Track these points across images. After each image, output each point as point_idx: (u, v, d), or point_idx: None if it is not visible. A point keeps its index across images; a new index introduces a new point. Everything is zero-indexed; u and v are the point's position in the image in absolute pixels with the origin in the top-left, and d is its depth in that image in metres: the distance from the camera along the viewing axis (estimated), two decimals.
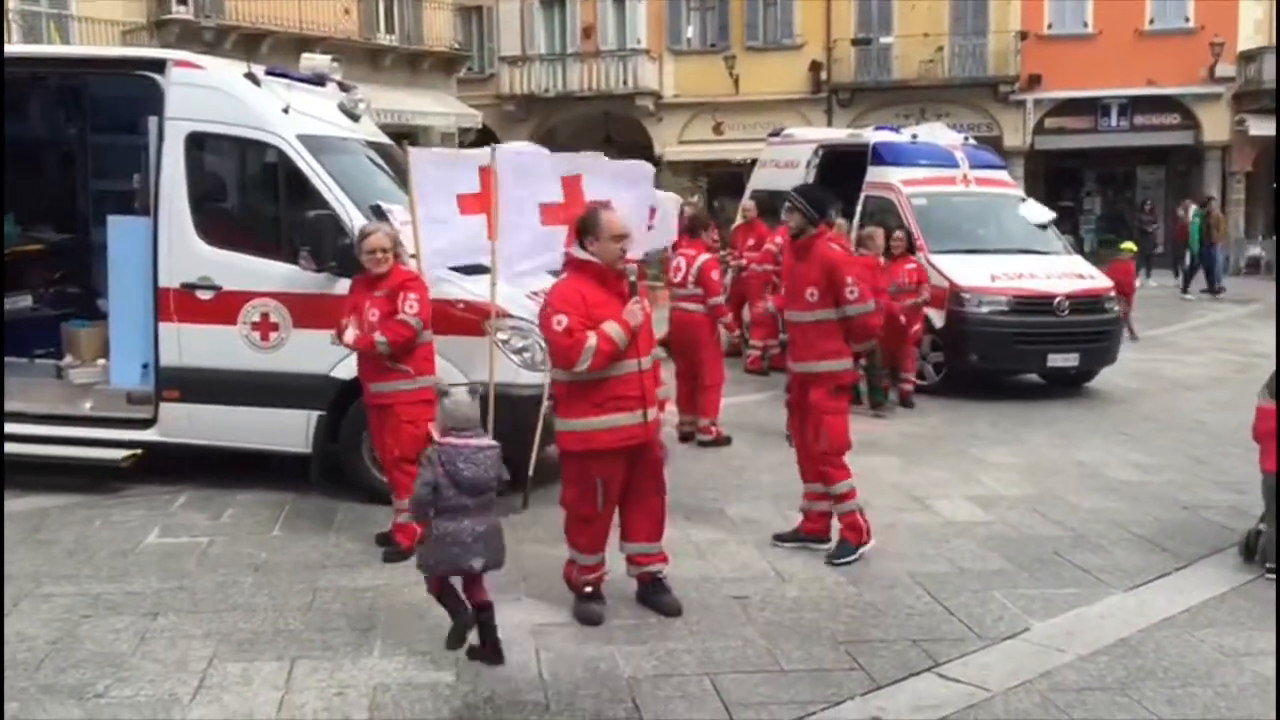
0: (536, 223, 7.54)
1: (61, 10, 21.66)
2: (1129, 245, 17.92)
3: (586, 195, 7.44)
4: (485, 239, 7.34)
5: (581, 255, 5.54)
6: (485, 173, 7.37)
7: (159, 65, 7.95)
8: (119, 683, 4.89)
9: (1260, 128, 28.61)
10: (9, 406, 8.13)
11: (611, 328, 5.34)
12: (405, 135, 20.80)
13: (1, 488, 7.09)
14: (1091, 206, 33.86)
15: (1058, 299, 11.83)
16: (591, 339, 5.31)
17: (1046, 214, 13.89)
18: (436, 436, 5.04)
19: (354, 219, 7.47)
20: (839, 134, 17.78)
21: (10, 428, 7.90)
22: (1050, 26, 30.96)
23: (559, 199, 7.58)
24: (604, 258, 5.47)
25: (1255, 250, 30.04)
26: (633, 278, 5.47)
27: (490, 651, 5.07)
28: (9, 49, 13.21)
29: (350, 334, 6.46)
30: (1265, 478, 6.39)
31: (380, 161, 8.64)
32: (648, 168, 8.34)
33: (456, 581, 5.03)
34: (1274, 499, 6.31)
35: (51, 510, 7.46)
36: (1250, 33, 29.60)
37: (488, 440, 5.04)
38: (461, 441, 4.92)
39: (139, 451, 7.86)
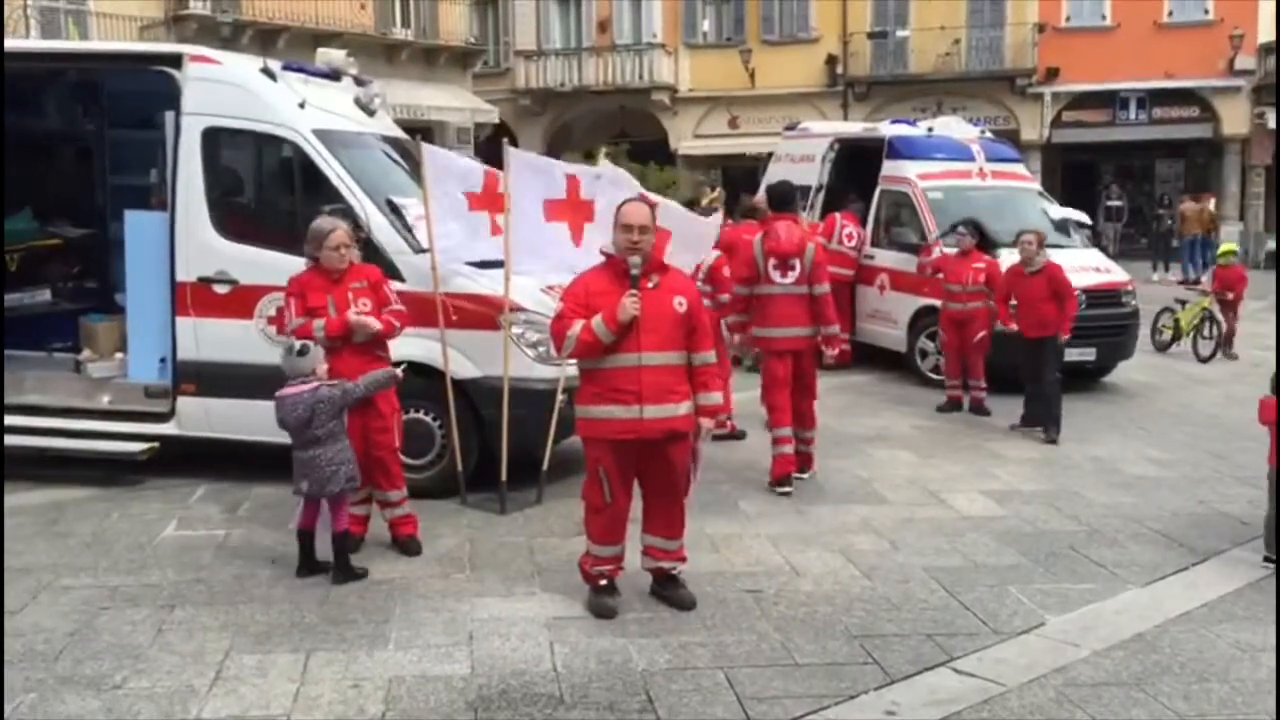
0: (540, 219, 7.56)
1: (79, 6, 21.76)
2: (1230, 247, 16.01)
3: (582, 195, 7.63)
4: (491, 236, 7.39)
5: (608, 248, 5.61)
6: (490, 175, 7.42)
7: (176, 60, 7.98)
8: (136, 674, 4.93)
9: None
10: (28, 400, 8.20)
11: (595, 319, 5.35)
12: (421, 130, 20.79)
13: (1, 482, 7.13)
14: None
15: (1074, 293, 11.74)
16: (575, 327, 5.36)
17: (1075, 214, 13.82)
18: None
19: (369, 213, 7.49)
20: (855, 128, 17.72)
21: (28, 421, 7.97)
22: (1068, 19, 30.80)
23: (562, 195, 7.65)
24: (616, 248, 5.51)
25: (1273, 244, 29.81)
26: (635, 271, 5.42)
27: (337, 569, 6.05)
28: (27, 44, 13.31)
29: (367, 319, 6.34)
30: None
31: (395, 156, 8.65)
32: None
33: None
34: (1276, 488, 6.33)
35: (69, 503, 7.51)
36: (1270, 25, 29.31)
37: (294, 389, 5.93)
38: (281, 392, 5.95)
39: (156, 445, 7.90)
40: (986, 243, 11.15)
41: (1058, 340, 9.79)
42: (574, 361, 5.80)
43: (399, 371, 6.36)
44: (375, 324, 6.35)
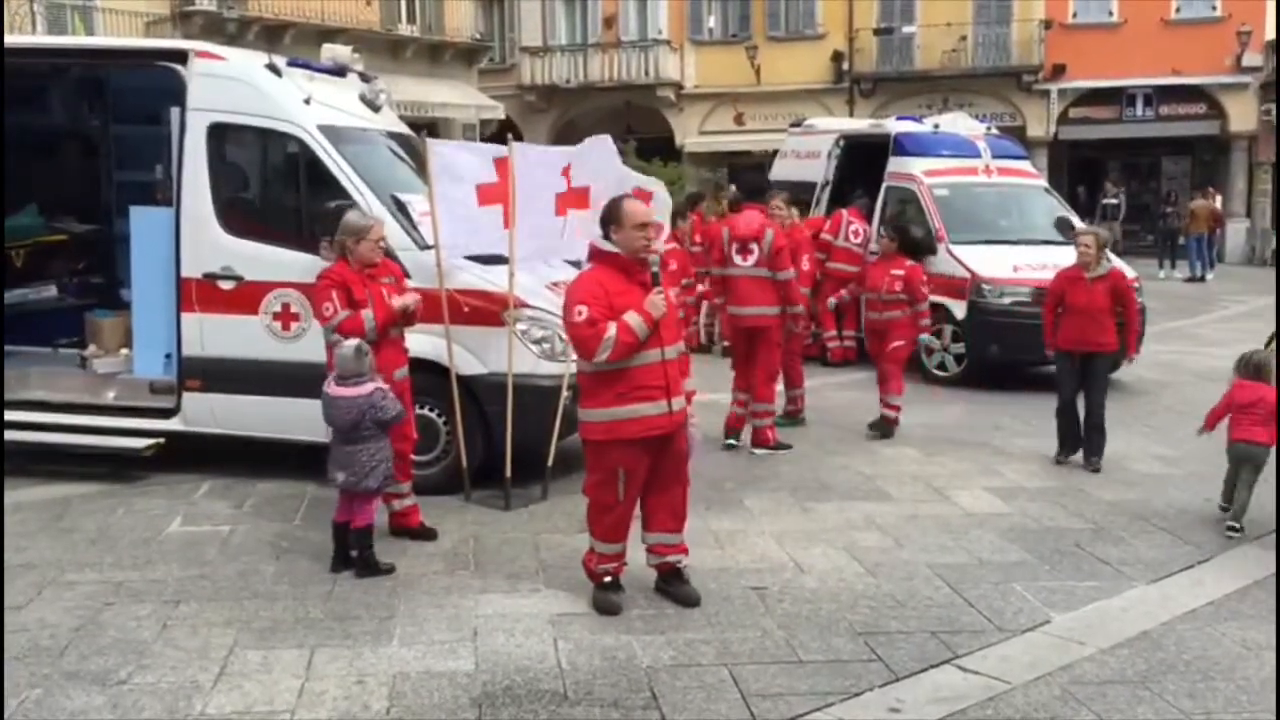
0: (551, 212, 7.57)
1: (86, 2, 21.78)
2: None
3: (574, 181, 7.67)
4: (501, 230, 7.38)
5: (605, 245, 5.56)
6: (502, 164, 7.40)
7: (181, 56, 7.98)
8: (141, 670, 4.93)
9: None
10: (33, 395, 8.22)
11: (632, 318, 5.33)
12: (426, 126, 20.82)
13: (1, 479, 7.14)
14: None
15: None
16: (611, 329, 5.30)
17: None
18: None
19: (374, 209, 7.48)
20: (860, 124, 17.71)
21: (34, 417, 7.99)
22: (1075, 15, 30.74)
23: (564, 188, 7.66)
24: (626, 247, 5.47)
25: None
26: (655, 268, 5.45)
27: (357, 564, 6.10)
28: (33, 40, 13.34)
29: (409, 299, 6.61)
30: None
31: (400, 152, 8.65)
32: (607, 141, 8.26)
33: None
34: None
35: (74, 499, 7.52)
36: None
37: (348, 390, 5.96)
38: (330, 391, 6.01)
39: (161, 441, 7.92)
40: (916, 246, 10.53)
41: (1112, 359, 8.75)
42: (585, 366, 5.71)
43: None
44: (412, 302, 6.58)
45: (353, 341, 6.07)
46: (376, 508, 6.26)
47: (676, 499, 5.76)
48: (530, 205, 7.48)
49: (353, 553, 6.13)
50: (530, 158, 7.66)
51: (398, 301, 6.50)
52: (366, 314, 6.33)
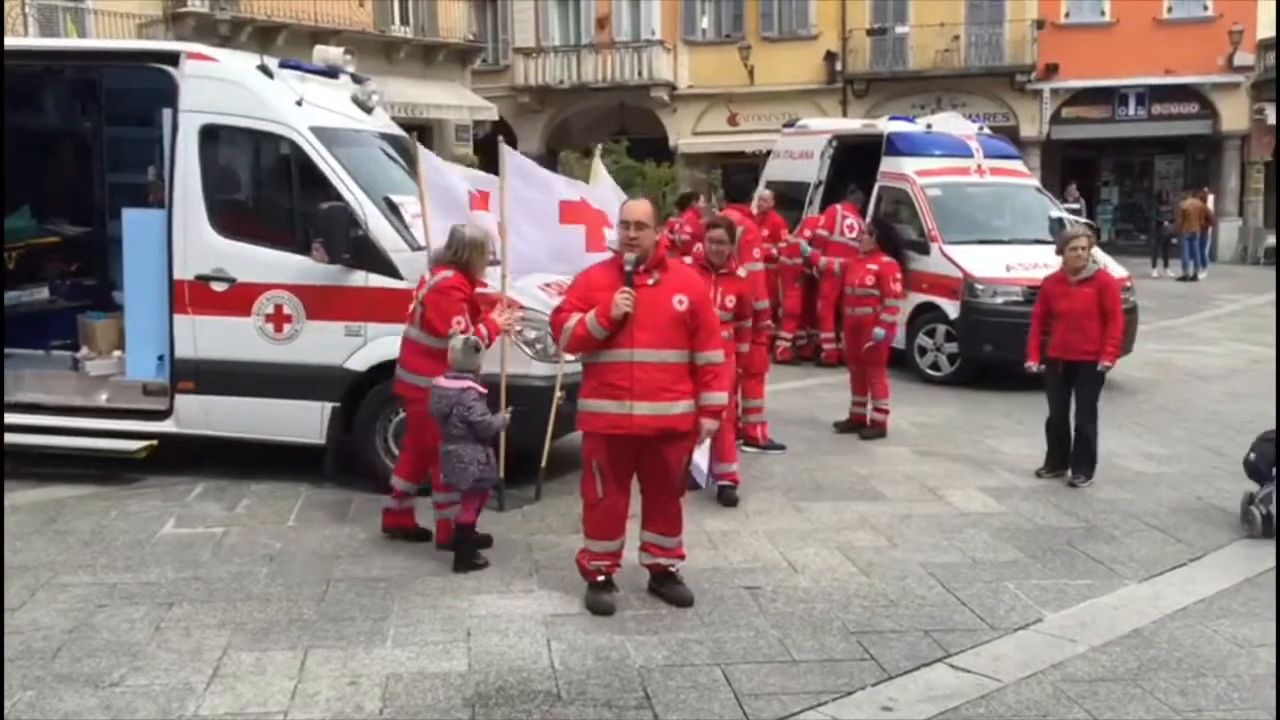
0: (555, 221, 7.60)
1: (78, 3, 21.75)
2: None
3: (594, 205, 7.77)
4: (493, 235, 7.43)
5: (615, 244, 5.68)
6: (481, 196, 7.51)
7: (173, 58, 7.96)
8: (134, 672, 4.93)
9: None
10: (26, 398, 8.20)
11: (589, 314, 5.39)
12: (420, 127, 20.80)
13: (1, 481, 7.14)
14: (1108, 196, 33.59)
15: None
16: (571, 321, 5.43)
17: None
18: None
19: (367, 211, 7.49)
20: (853, 124, 17.74)
21: (27, 419, 7.97)
22: (1067, 15, 30.81)
23: (575, 198, 7.71)
24: (619, 244, 5.53)
25: (1273, 239, 29.75)
26: (629, 268, 5.42)
27: (457, 559, 6.23)
28: (25, 42, 13.31)
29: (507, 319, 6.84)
30: None
31: (393, 154, 8.64)
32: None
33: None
34: None
35: (68, 501, 7.51)
36: (1269, 21, 29.28)
37: (449, 382, 6.10)
38: (438, 381, 6.16)
39: (154, 442, 7.90)
40: (893, 244, 10.43)
41: (1098, 368, 8.03)
42: (571, 357, 5.84)
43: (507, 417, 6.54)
44: (516, 317, 6.88)
45: (464, 335, 6.20)
46: (475, 508, 6.28)
47: (667, 506, 5.74)
48: (525, 209, 7.47)
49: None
50: (524, 167, 7.70)
51: (502, 320, 6.68)
52: (483, 330, 6.45)
